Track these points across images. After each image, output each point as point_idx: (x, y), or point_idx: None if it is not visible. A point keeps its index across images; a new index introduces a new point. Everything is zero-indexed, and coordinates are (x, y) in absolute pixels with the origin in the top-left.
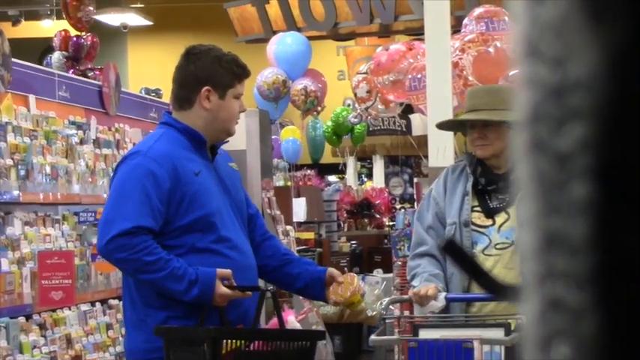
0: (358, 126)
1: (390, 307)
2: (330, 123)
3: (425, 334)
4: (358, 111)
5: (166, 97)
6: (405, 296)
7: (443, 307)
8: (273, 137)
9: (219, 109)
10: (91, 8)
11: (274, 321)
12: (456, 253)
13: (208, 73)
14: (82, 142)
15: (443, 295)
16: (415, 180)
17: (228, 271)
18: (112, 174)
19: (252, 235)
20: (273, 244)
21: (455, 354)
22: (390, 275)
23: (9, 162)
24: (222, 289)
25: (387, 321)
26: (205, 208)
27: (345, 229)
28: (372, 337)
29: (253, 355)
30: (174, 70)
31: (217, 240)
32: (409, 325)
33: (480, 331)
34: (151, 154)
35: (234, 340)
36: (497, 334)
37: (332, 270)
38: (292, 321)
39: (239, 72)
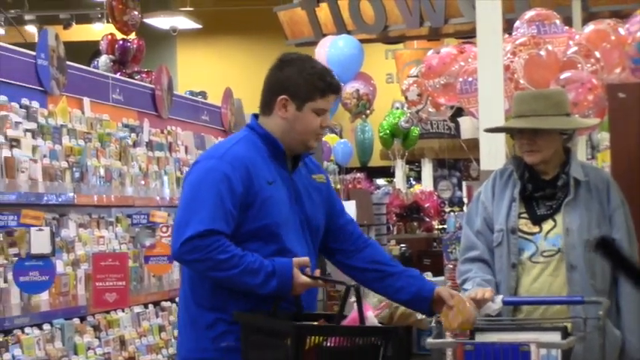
0: (412, 129)
1: None
2: (385, 125)
3: (481, 337)
4: (409, 115)
5: (212, 99)
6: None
7: (500, 309)
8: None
9: (295, 119)
10: (137, 12)
11: (353, 316)
12: (608, 250)
13: (288, 82)
14: (135, 144)
15: (500, 297)
16: (464, 183)
17: (305, 259)
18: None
19: (344, 245)
20: (369, 255)
21: (512, 357)
22: (440, 278)
23: (64, 164)
24: (302, 277)
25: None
26: (271, 218)
27: (395, 233)
28: (429, 340)
29: (333, 351)
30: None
31: (279, 251)
32: None
33: (536, 334)
34: (227, 157)
35: (316, 336)
36: (554, 337)
37: (441, 290)
38: (371, 317)
39: (321, 86)
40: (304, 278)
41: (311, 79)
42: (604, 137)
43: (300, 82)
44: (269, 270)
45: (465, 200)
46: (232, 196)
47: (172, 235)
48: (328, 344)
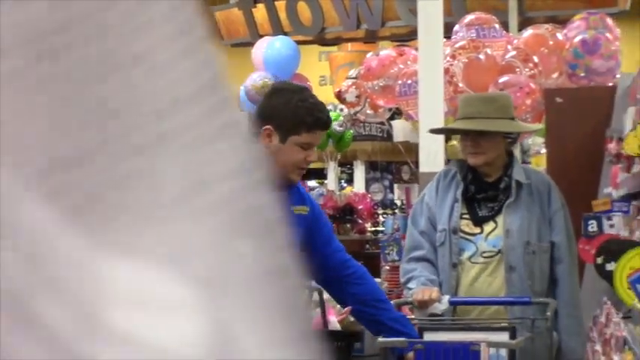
0: (346, 132)
1: None
2: None
3: (430, 336)
4: (342, 119)
5: None
6: (409, 299)
7: (446, 310)
8: None
9: (277, 151)
10: None
11: (315, 321)
12: None
13: (274, 113)
14: None
15: (446, 298)
16: (396, 186)
17: None
18: None
19: (332, 273)
20: (361, 292)
21: (462, 356)
22: (376, 280)
23: None
24: None
25: None
26: None
27: None
28: (380, 339)
29: None
30: None
31: None
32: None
33: (486, 334)
34: None
35: None
36: (503, 337)
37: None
38: (333, 321)
39: (309, 121)
40: None
41: (298, 111)
42: (535, 142)
43: (286, 114)
44: None
45: (398, 202)
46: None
47: None
48: None
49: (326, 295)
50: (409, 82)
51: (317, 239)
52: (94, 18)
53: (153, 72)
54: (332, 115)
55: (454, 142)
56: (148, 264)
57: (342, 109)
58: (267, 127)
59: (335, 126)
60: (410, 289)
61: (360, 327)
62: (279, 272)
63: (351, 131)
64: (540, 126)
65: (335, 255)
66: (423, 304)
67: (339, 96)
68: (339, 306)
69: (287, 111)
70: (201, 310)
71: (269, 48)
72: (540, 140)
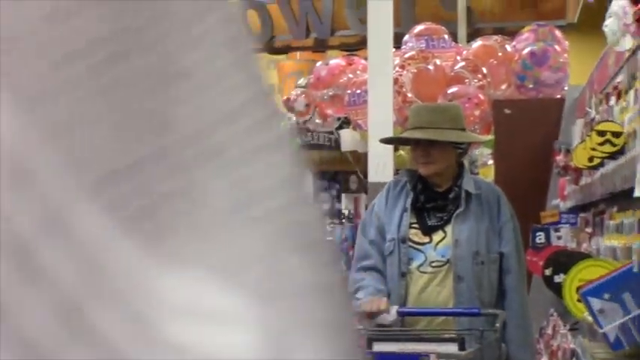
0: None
1: None
2: None
3: (379, 347)
4: (289, 127)
5: None
6: (357, 309)
7: (394, 320)
8: None
9: None
10: None
11: None
12: None
13: None
14: None
15: (395, 308)
16: (343, 196)
17: None
18: None
19: None
20: None
21: None
22: None
23: None
24: None
25: None
26: None
27: None
28: None
29: None
30: None
31: None
32: (361, 338)
33: (435, 345)
34: None
35: None
36: (452, 348)
37: None
38: None
39: None
40: None
41: None
42: (482, 153)
43: None
44: None
45: (345, 212)
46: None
47: None
48: None
49: None
50: (358, 91)
51: None
52: (152, 28)
53: (204, 85)
54: None
55: (402, 152)
56: (202, 275)
57: (289, 118)
58: None
59: None
60: (358, 299)
61: None
62: (326, 288)
63: (298, 140)
64: (489, 137)
65: None
66: (371, 315)
67: (286, 104)
68: None
69: None
70: (254, 322)
71: None
72: (488, 151)
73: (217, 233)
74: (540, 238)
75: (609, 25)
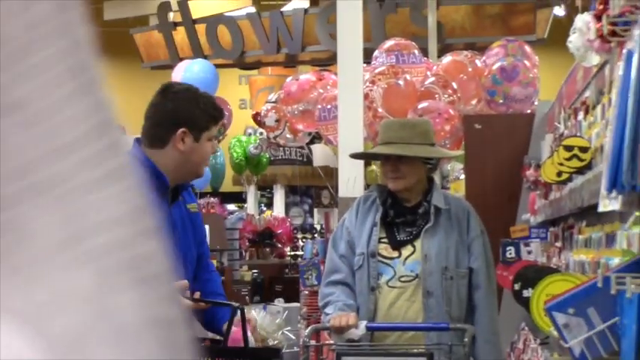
0: (261, 155)
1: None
2: (239, 151)
3: None
4: (258, 142)
5: None
6: (326, 324)
7: (363, 335)
8: None
9: (192, 151)
10: None
11: (234, 336)
12: None
13: (186, 115)
14: None
15: (364, 323)
16: (316, 210)
17: (184, 283)
18: None
19: (197, 273)
20: (210, 288)
21: None
22: (291, 305)
23: None
24: (184, 301)
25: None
26: None
27: (247, 258)
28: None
29: None
30: (148, 106)
31: None
32: (331, 353)
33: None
34: None
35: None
36: None
37: None
38: (251, 338)
39: (215, 115)
40: (186, 301)
41: (206, 108)
42: (453, 167)
43: (197, 112)
44: None
45: (317, 227)
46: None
47: None
48: None
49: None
50: (329, 106)
51: (200, 237)
52: None
53: (39, 116)
54: (252, 138)
55: (373, 167)
56: (10, 325)
57: (261, 133)
58: (182, 129)
59: (250, 148)
60: (327, 314)
61: (280, 344)
62: (162, 324)
63: (267, 154)
64: (460, 152)
65: (204, 256)
66: (339, 330)
67: (256, 119)
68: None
69: (197, 110)
70: None
71: (187, 71)
72: (460, 166)
73: (40, 274)
74: (510, 252)
75: (573, 40)
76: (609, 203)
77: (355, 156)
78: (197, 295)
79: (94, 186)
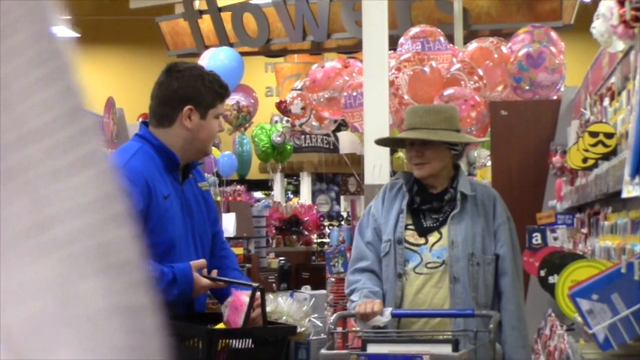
0: (286, 144)
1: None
2: (264, 139)
3: (373, 349)
4: (281, 131)
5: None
6: (352, 311)
7: (388, 322)
8: None
9: (199, 128)
10: None
11: (235, 303)
12: None
13: (192, 92)
14: None
15: (389, 310)
16: (342, 198)
17: (202, 262)
18: None
19: (213, 250)
20: (223, 264)
21: None
22: (318, 292)
23: None
24: (203, 281)
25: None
26: (167, 234)
27: (274, 246)
28: (322, 351)
29: (241, 351)
30: (154, 85)
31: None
32: (357, 339)
33: (429, 346)
34: (126, 171)
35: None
36: (446, 349)
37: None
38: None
39: (221, 92)
40: (205, 281)
41: (212, 85)
42: (480, 154)
43: (203, 90)
44: (169, 278)
45: (344, 214)
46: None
47: None
48: (236, 345)
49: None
50: (354, 94)
51: (213, 216)
52: None
53: (11, 100)
54: (271, 127)
55: (400, 155)
56: None
57: (288, 121)
58: (189, 107)
59: (273, 137)
60: (353, 301)
61: (307, 331)
62: (129, 311)
63: (291, 143)
64: (485, 139)
65: (218, 235)
66: (365, 317)
67: (280, 107)
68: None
69: (203, 88)
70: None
71: (212, 59)
72: (486, 153)
73: (6, 263)
74: (537, 239)
75: (597, 26)
76: (633, 189)
77: (380, 141)
78: (214, 273)
79: (63, 173)
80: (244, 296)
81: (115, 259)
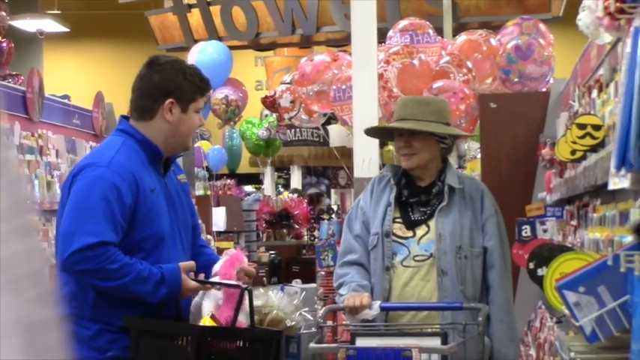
0: (272, 139)
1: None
2: (256, 132)
3: (362, 342)
4: (267, 125)
5: (78, 103)
6: (340, 305)
7: (376, 315)
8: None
9: (180, 122)
10: (4, 13)
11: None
12: None
13: (173, 86)
14: None
15: (377, 303)
16: (332, 191)
17: (191, 264)
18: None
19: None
20: (203, 259)
21: None
22: (309, 286)
23: None
24: (191, 283)
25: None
26: (154, 228)
27: (264, 239)
28: (311, 345)
29: (229, 350)
30: (135, 78)
31: (158, 261)
32: (346, 333)
33: (417, 339)
34: (114, 166)
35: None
36: (435, 342)
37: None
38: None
39: (202, 86)
40: (193, 283)
41: (193, 79)
42: (471, 147)
43: (184, 84)
44: (158, 278)
45: (335, 207)
46: (122, 207)
47: (58, 243)
48: (225, 345)
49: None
50: (343, 87)
51: (191, 209)
52: None
53: None
54: (270, 118)
55: (390, 148)
56: None
57: (273, 115)
58: (170, 100)
59: (260, 132)
60: (342, 294)
61: (297, 325)
62: (30, 326)
63: (277, 138)
64: (472, 134)
65: (196, 228)
66: (353, 311)
67: (266, 102)
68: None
69: (184, 81)
70: None
71: (201, 53)
72: (476, 145)
73: None
74: (526, 231)
75: (582, 18)
76: (619, 181)
77: (369, 132)
78: (201, 276)
79: None
80: (244, 257)
81: (15, 273)
